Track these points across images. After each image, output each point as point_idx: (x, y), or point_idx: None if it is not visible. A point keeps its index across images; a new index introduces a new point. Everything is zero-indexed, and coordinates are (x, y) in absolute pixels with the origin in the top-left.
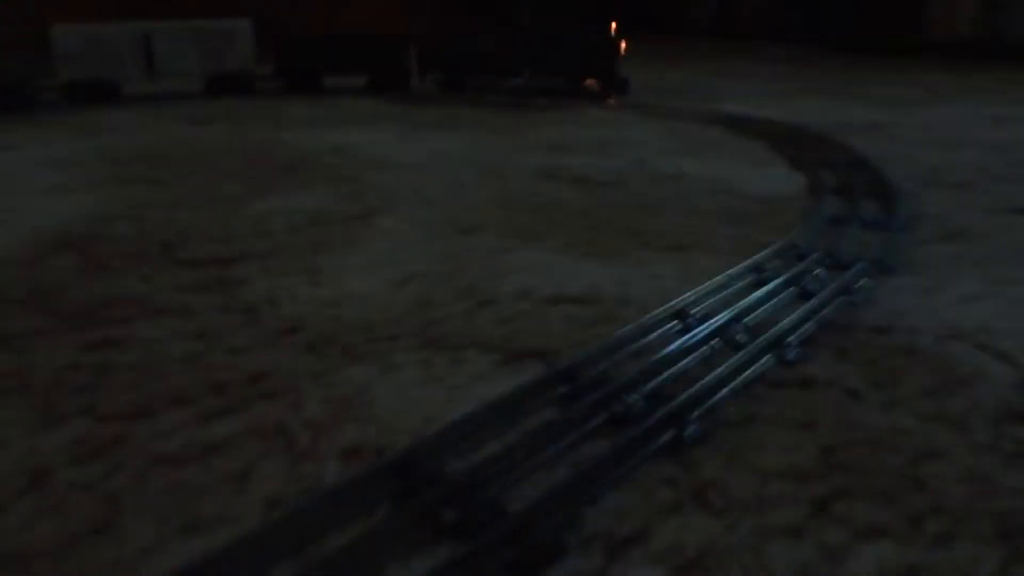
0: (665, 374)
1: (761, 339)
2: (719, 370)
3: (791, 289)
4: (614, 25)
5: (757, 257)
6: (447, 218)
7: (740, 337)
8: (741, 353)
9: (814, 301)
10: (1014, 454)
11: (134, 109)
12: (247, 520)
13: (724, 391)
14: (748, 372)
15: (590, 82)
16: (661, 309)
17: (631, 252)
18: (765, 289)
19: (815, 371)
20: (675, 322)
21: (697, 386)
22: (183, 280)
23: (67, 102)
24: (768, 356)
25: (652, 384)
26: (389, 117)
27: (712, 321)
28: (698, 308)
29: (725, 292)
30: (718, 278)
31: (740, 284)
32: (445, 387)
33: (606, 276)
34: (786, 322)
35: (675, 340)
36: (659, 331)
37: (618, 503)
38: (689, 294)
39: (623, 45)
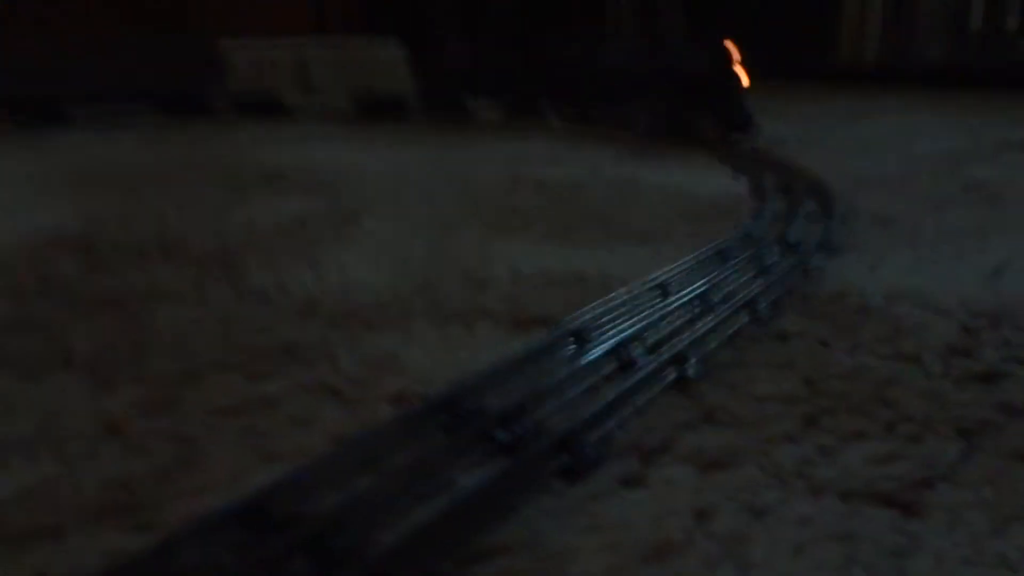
0: (660, 330)
1: (736, 301)
2: (705, 326)
3: (753, 266)
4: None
5: (719, 243)
6: (426, 218)
7: (717, 301)
8: (720, 312)
9: (775, 274)
10: (961, 378)
11: (88, 130)
12: (319, 451)
13: (713, 341)
14: (729, 326)
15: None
16: (644, 282)
17: (603, 243)
18: (731, 266)
19: (787, 326)
20: (659, 291)
21: (690, 337)
22: (187, 274)
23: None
24: (744, 315)
25: (652, 339)
26: (345, 136)
27: (691, 289)
28: (676, 282)
29: (697, 269)
30: (689, 257)
31: (709, 263)
32: (465, 348)
33: (585, 261)
34: (754, 288)
35: (661, 305)
36: (646, 299)
37: (641, 426)
38: (666, 270)
39: (744, 74)
